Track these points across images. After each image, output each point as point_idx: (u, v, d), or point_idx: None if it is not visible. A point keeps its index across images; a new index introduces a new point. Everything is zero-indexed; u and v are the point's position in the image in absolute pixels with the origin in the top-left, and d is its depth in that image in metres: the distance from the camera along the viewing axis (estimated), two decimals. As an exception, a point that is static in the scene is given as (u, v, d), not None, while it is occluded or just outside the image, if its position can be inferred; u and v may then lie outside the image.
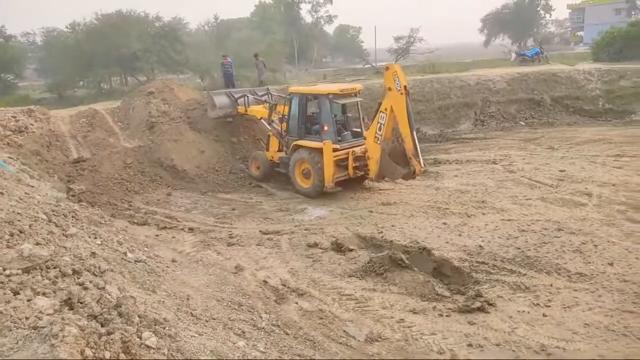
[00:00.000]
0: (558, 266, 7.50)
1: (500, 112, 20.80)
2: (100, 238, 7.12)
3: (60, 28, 33.81)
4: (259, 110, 14.23)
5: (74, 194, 11.43)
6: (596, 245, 8.15)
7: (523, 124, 20.21)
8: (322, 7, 55.33)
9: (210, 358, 4.07)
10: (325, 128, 11.60)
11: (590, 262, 7.57)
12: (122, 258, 6.59)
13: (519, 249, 8.22)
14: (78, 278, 4.44)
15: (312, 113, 12.65)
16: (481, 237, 8.83)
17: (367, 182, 12.47)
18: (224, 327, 5.44)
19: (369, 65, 40.25)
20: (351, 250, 8.47)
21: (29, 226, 5.49)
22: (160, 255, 8.12)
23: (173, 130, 14.80)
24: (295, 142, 12.28)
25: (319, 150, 11.47)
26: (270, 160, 13.45)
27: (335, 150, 11.44)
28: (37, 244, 5.01)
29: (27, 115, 14.54)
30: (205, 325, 5.20)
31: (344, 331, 6.02)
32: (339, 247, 8.52)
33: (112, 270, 5.48)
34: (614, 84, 21.17)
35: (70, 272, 4.45)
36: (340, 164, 11.59)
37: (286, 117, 12.70)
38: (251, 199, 12.31)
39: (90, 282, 4.42)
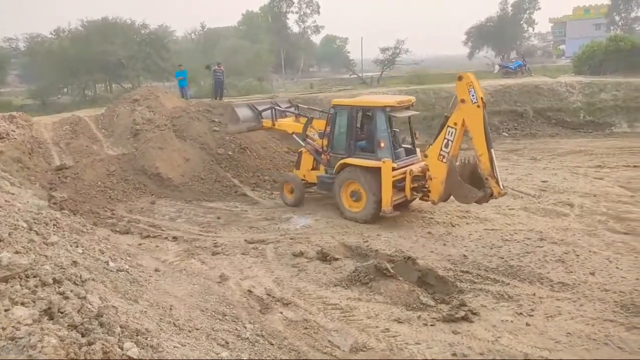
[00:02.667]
0: (541, 275, 7.59)
1: (484, 123, 21.05)
2: (82, 247, 7.01)
3: (44, 34, 33.50)
4: (290, 125, 12.67)
5: (56, 201, 11.24)
6: (578, 255, 8.27)
7: (506, 135, 20.50)
8: (309, 17, 55.84)
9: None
10: (382, 145, 10.19)
11: (572, 272, 7.67)
12: (104, 267, 6.49)
13: (503, 258, 8.30)
14: (59, 287, 4.35)
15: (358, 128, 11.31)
16: (465, 246, 8.90)
17: (408, 206, 11.08)
18: (207, 337, 5.38)
19: (355, 76, 40.55)
20: (337, 259, 8.45)
21: (9, 234, 5.38)
22: (143, 264, 8.02)
23: (158, 138, 14.68)
24: (343, 161, 10.80)
25: (375, 170, 10.13)
26: (302, 179, 12.23)
27: (392, 169, 10.11)
28: (17, 252, 4.90)
29: (8, 122, 14.32)
30: (188, 336, 5.13)
31: (329, 341, 5.99)
32: (324, 257, 8.50)
33: (93, 280, 5.39)
34: (594, 97, 21.63)
35: (50, 281, 4.36)
36: (397, 185, 10.21)
37: (328, 132, 11.34)
38: (236, 207, 12.24)
39: (71, 291, 4.33)
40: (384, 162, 9.98)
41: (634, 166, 14.27)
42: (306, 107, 13.95)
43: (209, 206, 12.39)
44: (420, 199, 10.59)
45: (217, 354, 4.86)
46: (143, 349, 3.78)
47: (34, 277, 4.34)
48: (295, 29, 55.27)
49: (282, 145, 16.83)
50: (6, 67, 36.86)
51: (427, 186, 10.09)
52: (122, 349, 3.51)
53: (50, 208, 10.03)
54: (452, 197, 9.84)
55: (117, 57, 29.75)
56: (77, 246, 6.88)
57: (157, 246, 9.46)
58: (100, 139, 15.64)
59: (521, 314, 6.51)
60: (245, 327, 6.05)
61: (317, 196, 12.72)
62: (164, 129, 15.28)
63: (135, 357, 3.49)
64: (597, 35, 43.95)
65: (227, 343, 5.37)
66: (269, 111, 12.91)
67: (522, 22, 57.13)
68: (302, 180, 12.16)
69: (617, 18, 56.28)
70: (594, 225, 9.65)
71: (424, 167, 10.17)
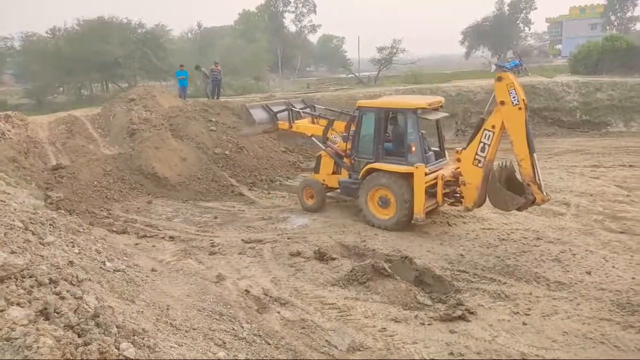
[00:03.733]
0: (537, 275, 7.61)
1: (481, 122, 21.10)
2: (79, 247, 6.98)
3: (40, 33, 33.34)
4: (308, 127, 12.10)
5: (52, 201, 11.19)
6: (574, 254, 8.30)
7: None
8: (305, 17, 55.88)
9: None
10: (413, 149, 9.74)
11: (568, 271, 7.70)
12: (101, 267, 6.47)
13: (499, 257, 8.32)
14: (55, 287, 4.34)
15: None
16: (462, 245, 8.92)
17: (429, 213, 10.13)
18: (204, 337, 5.37)
19: (352, 75, 40.55)
20: (334, 259, 8.45)
21: (4, 234, 5.36)
22: (140, 264, 7.99)
23: (154, 138, 14.65)
24: (370, 166, 10.28)
25: (407, 176, 9.67)
26: (322, 183, 11.67)
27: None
28: (12, 252, 4.88)
29: (4, 121, 14.24)
30: (185, 336, 5.12)
31: (326, 341, 5.99)
32: (321, 256, 8.49)
33: (90, 280, 5.37)
34: (590, 96, 21.70)
35: (46, 281, 4.35)
36: (429, 191, 9.71)
37: (352, 135, 10.81)
38: (233, 207, 12.23)
39: (68, 291, 4.32)
40: (416, 167, 9.51)
41: (630, 165, 14.34)
42: (323, 107, 13.37)
43: (205, 206, 12.37)
44: (450, 204, 10.21)
45: (214, 354, 4.85)
46: (140, 349, 3.77)
47: (30, 277, 4.32)
48: (292, 28, 55.33)
49: (279, 145, 16.84)
50: (1, 67, 36.70)
51: (459, 192, 9.63)
52: (118, 349, 3.50)
53: (47, 208, 9.98)
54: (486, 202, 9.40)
55: (114, 57, 29.64)
56: (73, 246, 6.85)
57: (154, 246, 9.43)
58: (96, 138, 15.59)
59: (518, 313, 6.53)
60: (242, 327, 6.04)
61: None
62: (161, 129, 15.25)
63: (132, 357, 3.48)
64: (593, 35, 44.16)
65: (224, 343, 5.36)
66: (285, 112, 12.37)
67: (518, 21, 57.38)
68: (322, 184, 11.64)
69: (612, 18, 56.55)
70: (590, 225, 9.68)
71: (455, 172, 9.74)
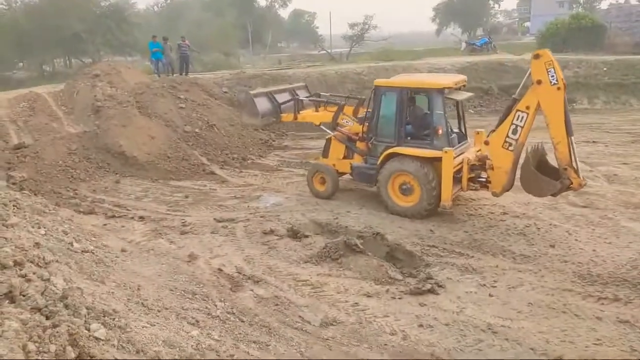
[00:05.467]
0: (503, 248, 7.86)
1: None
2: (45, 228, 6.80)
3: (-6, 5, 31.68)
4: (316, 115, 11.24)
5: (15, 181, 10.82)
6: (539, 228, 8.59)
7: (472, 112, 20.79)
8: (276, -9, 54.71)
9: (162, 348, 4.00)
10: (440, 131, 9.13)
11: (533, 244, 7.97)
12: (68, 248, 6.34)
13: (467, 232, 8.53)
14: (20, 270, 4.23)
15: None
16: (432, 221, 9.08)
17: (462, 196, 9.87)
18: (177, 316, 5.36)
19: (324, 52, 40.20)
20: (307, 236, 8.49)
21: (-36, 216, 5.17)
22: (109, 245, 7.86)
23: (121, 115, 14.23)
24: (391, 150, 9.51)
25: (431, 160, 9.06)
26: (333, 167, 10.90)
27: None
28: (-27, 235, 4.73)
29: (-41, 98, 13.60)
30: (157, 316, 5.10)
31: (300, 316, 6.07)
32: (294, 234, 8.53)
33: (57, 261, 5.26)
34: (557, 74, 22.12)
35: (11, 263, 4.23)
36: (454, 177, 9.08)
37: (369, 117, 10.04)
38: (205, 186, 12.08)
39: (34, 273, 4.23)
40: (445, 151, 8.81)
41: (593, 142, 14.77)
42: (328, 94, 12.44)
43: (176, 185, 12.18)
44: (473, 189, 9.60)
45: (188, 332, 4.86)
46: (111, 329, 3.74)
47: (-7, 260, 4.20)
48: (262, 2, 54.16)
49: (250, 123, 16.61)
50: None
51: (483, 176, 9.20)
52: (89, 330, 3.46)
53: (9, 188, 9.66)
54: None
55: (75, 31, 28.45)
56: (39, 227, 6.68)
57: (123, 226, 9.27)
58: (60, 116, 15.05)
59: (485, 285, 6.75)
60: (215, 305, 6.05)
61: (286, 174, 12.71)
62: (127, 106, 14.80)
63: (102, 338, 3.45)
64: (561, 13, 44.78)
65: (198, 322, 5.37)
66: (294, 102, 11.53)
67: (488, -2, 57.65)
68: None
69: (579, -4, 57.50)
70: (554, 200, 9.97)
71: (481, 156, 9.26)
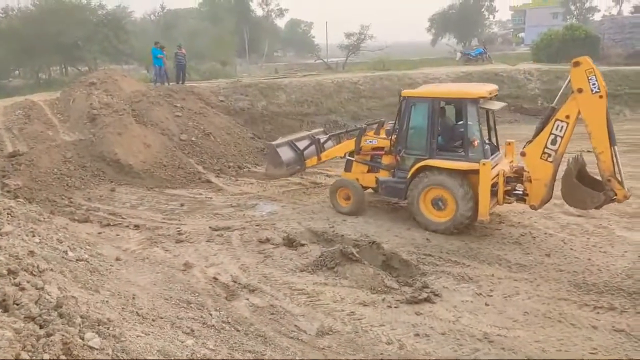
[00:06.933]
0: (499, 257, 7.88)
1: (447, 109, 21.44)
2: (39, 236, 6.76)
3: (-9, 12, 31.68)
4: (338, 149, 11.09)
5: (10, 189, 10.78)
6: (534, 237, 8.62)
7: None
8: (272, 0, 55.00)
9: (157, 358, 3.97)
10: (476, 143, 8.78)
11: (529, 253, 7.99)
12: (63, 257, 6.30)
13: (463, 241, 8.55)
14: (14, 278, 4.20)
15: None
16: (428, 230, 9.09)
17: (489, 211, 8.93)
18: (171, 325, 5.32)
19: (320, 61, 40.39)
20: (303, 245, 8.48)
21: (-42, 224, 5.13)
22: (104, 253, 7.82)
23: (117, 123, 14.22)
24: (423, 163, 9.10)
25: (470, 173, 8.66)
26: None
27: None
28: (-33, 243, 4.69)
29: (-46, 106, 13.56)
30: (152, 325, 5.07)
31: (295, 326, 6.04)
32: (290, 242, 8.51)
33: (51, 270, 5.23)
34: (552, 84, 22.26)
35: (5, 272, 4.20)
36: (491, 190, 8.64)
37: (397, 129, 9.69)
38: (200, 194, 12.06)
39: (28, 282, 4.19)
40: (483, 164, 8.43)
41: (588, 151, 14.76)
42: (344, 130, 12.23)
43: (172, 193, 12.15)
44: (509, 203, 9.08)
45: (182, 342, 4.82)
46: (105, 339, 3.71)
47: (-13, 268, 4.17)
48: (259, 12, 54.43)
49: (246, 131, 16.64)
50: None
51: (520, 189, 8.87)
52: (83, 339, 3.43)
53: (4, 196, 9.61)
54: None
55: (72, 39, 28.47)
56: (33, 235, 6.64)
57: (118, 235, 9.23)
58: (55, 124, 15.01)
59: (481, 294, 6.75)
60: (210, 315, 6.01)
61: (283, 182, 12.68)
62: (123, 114, 14.80)
63: (97, 347, 3.42)
64: (554, 24, 45.25)
65: (193, 331, 5.33)
66: (314, 146, 11.46)
67: (483, 9, 58.12)
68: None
69: (572, 8, 58.10)
70: (549, 208, 10.00)
71: (516, 167, 9.07)
